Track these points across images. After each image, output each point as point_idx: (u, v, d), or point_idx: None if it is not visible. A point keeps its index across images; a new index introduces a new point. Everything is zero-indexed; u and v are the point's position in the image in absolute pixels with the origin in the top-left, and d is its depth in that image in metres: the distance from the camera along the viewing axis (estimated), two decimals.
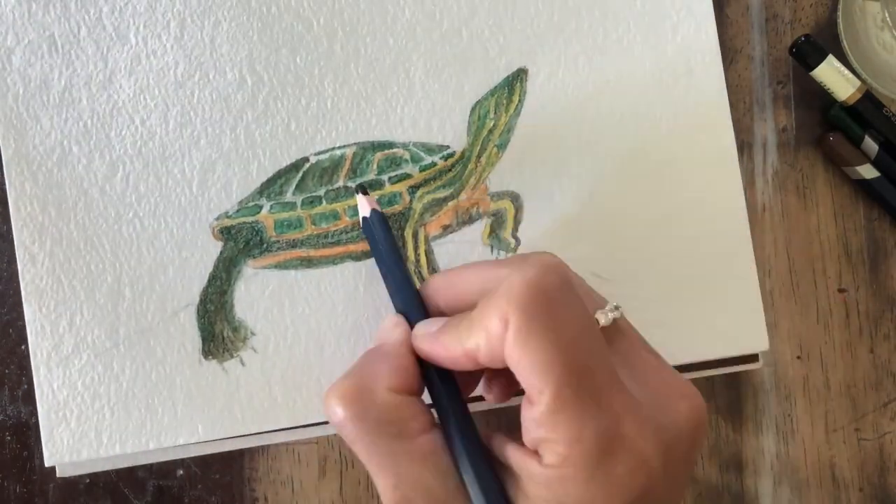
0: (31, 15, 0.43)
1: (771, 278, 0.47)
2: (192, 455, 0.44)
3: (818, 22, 0.48)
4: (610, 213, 0.45)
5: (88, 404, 0.42)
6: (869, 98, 0.46)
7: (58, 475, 0.43)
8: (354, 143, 0.44)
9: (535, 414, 0.31)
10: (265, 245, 0.43)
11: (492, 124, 0.45)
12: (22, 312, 0.42)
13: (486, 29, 0.45)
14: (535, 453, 0.32)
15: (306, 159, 0.44)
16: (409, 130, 0.44)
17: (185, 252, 0.43)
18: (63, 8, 0.43)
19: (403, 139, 0.44)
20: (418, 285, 0.39)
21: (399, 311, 0.38)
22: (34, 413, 0.43)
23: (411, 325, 0.37)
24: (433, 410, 0.36)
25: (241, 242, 0.43)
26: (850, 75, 0.46)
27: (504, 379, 0.38)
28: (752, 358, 0.45)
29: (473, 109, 0.45)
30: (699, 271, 0.44)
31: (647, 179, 0.45)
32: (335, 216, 0.44)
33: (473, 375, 0.38)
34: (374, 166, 0.44)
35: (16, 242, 0.42)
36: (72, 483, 0.45)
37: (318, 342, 0.43)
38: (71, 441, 0.42)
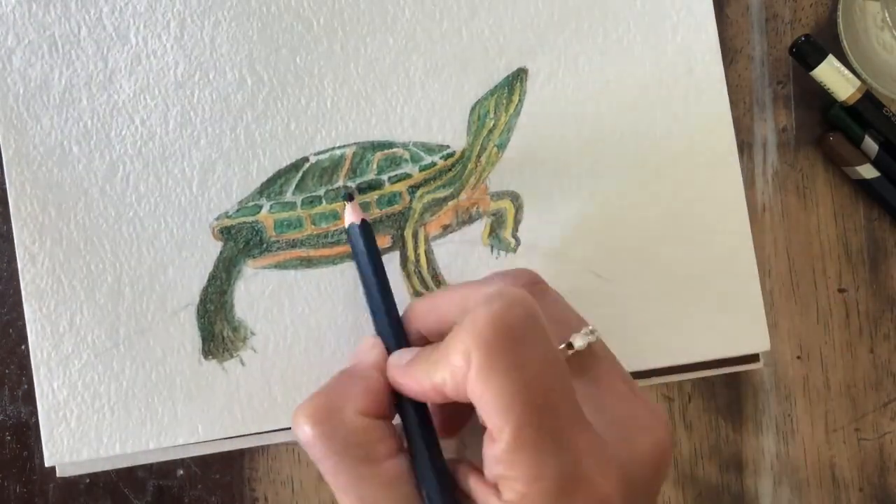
0: (32, 15, 0.43)
1: (771, 278, 0.47)
2: (192, 455, 0.44)
3: (818, 22, 0.48)
4: (610, 213, 0.45)
5: (88, 404, 0.42)
6: (869, 98, 0.46)
7: (58, 475, 0.43)
8: (354, 143, 0.44)
9: (496, 451, 0.30)
10: (265, 245, 0.43)
11: (492, 124, 0.45)
12: (22, 312, 0.43)
13: (486, 29, 0.45)
14: (496, 488, 0.31)
15: (306, 159, 0.44)
16: (409, 130, 0.44)
17: (185, 252, 0.43)
18: (63, 8, 0.43)
19: (403, 139, 0.44)
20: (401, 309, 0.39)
21: (378, 332, 0.38)
22: (34, 413, 0.43)
23: (389, 347, 0.37)
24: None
25: (240, 242, 0.43)
26: (850, 75, 0.46)
27: (453, 411, 0.38)
28: (753, 358, 0.45)
29: (473, 109, 0.45)
30: (700, 271, 0.44)
31: (648, 179, 0.45)
32: (335, 216, 0.44)
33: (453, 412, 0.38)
34: (374, 166, 0.44)
35: (16, 242, 0.42)
36: (72, 483, 0.45)
37: (317, 342, 0.43)
38: (71, 441, 0.42)
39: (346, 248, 0.44)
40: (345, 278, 0.43)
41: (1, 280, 0.45)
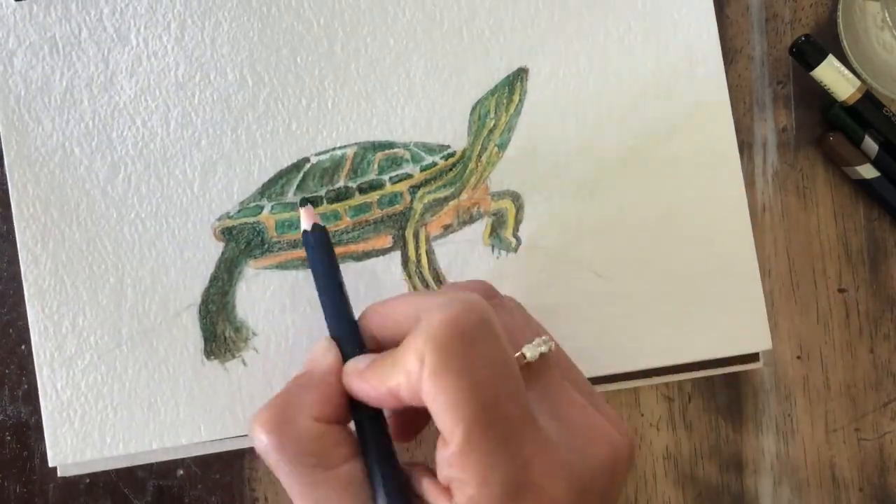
0: (33, 17, 0.43)
1: (771, 278, 0.47)
2: (194, 455, 0.44)
3: (818, 22, 0.48)
4: (611, 213, 0.45)
5: (92, 405, 0.42)
6: (869, 98, 0.46)
7: (59, 475, 0.43)
8: (355, 144, 0.44)
9: (447, 453, 0.31)
10: (266, 245, 0.43)
11: (492, 124, 0.45)
12: (22, 312, 0.43)
13: (487, 29, 0.45)
14: (448, 490, 0.32)
15: (307, 159, 0.44)
16: (410, 130, 0.44)
17: (187, 253, 0.43)
18: (64, 9, 0.43)
19: (404, 139, 0.44)
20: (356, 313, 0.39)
21: (333, 336, 0.38)
22: (34, 413, 0.43)
23: (344, 351, 0.37)
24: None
25: (242, 243, 0.43)
26: (850, 75, 0.46)
27: (408, 417, 0.38)
28: (753, 357, 0.45)
29: (474, 109, 0.45)
30: (701, 271, 0.45)
31: (649, 179, 0.45)
32: (336, 216, 0.44)
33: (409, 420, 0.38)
34: (375, 166, 0.44)
35: (18, 244, 0.42)
36: (72, 483, 0.45)
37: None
38: (74, 441, 0.42)
39: (348, 248, 0.44)
40: (346, 278, 0.43)
41: (1, 280, 0.45)
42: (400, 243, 0.44)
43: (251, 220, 0.43)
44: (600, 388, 0.45)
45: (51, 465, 0.42)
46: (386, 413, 0.36)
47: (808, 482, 0.47)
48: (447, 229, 0.44)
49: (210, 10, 0.44)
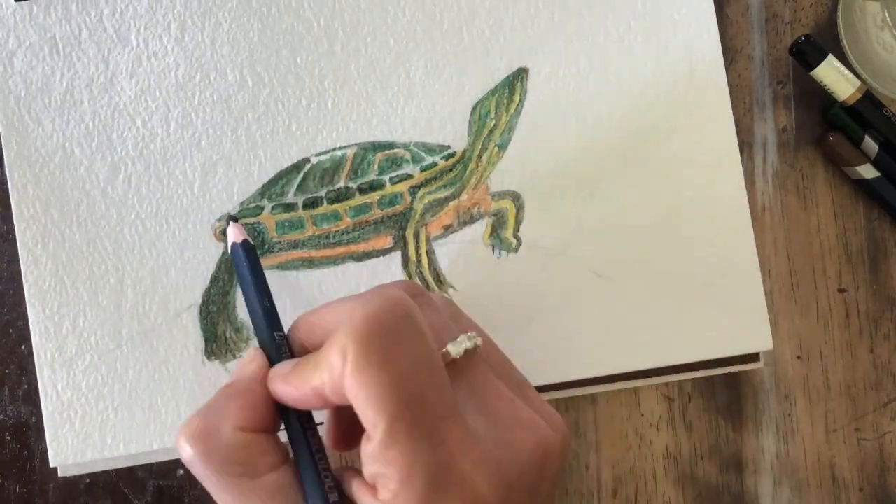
0: (33, 17, 0.43)
1: (771, 278, 0.47)
2: None
3: (818, 22, 0.48)
4: (611, 213, 0.45)
5: (92, 405, 0.42)
6: (869, 98, 0.46)
7: (59, 475, 0.43)
8: (355, 144, 0.44)
9: (370, 449, 0.31)
10: (267, 246, 0.44)
11: (493, 124, 0.45)
12: (22, 312, 0.43)
13: (487, 29, 0.45)
14: (374, 487, 0.32)
15: (307, 160, 0.44)
16: (410, 130, 0.44)
17: (188, 253, 0.43)
18: (64, 10, 0.43)
19: (404, 139, 0.44)
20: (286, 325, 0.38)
21: (261, 345, 0.38)
22: (34, 413, 0.43)
23: (273, 361, 0.37)
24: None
25: None
26: (850, 75, 0.46)
27: (345, 424, 0.37)
28: (753, 357, 0.45)
29: (474, 109, 0.45)
30: (701, 270, 0.45)
31: (649, 178, 0.45)
32: (336, 217, 0.44)
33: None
34: (375, 167, 0.44)
35: (19, 244, 0.42)
36: (72, 483, 0.45)
37: None
38: (75, 442, 0.42)
39: (348, 249, 0.44)
40: (346, 279, 0.44)
41: (1, 280, 0.45)
42: (400, 244, 0.44)
43: (251, 220, 0.43)
44: (601, 388, 0.45)
45: (51, 465, 0.42)
46: (326, 424, 0.36)
47: (808, 482, 0.47)
48: (447, 229, 0.44)
49: (210, 11, 0.44)
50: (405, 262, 0.44)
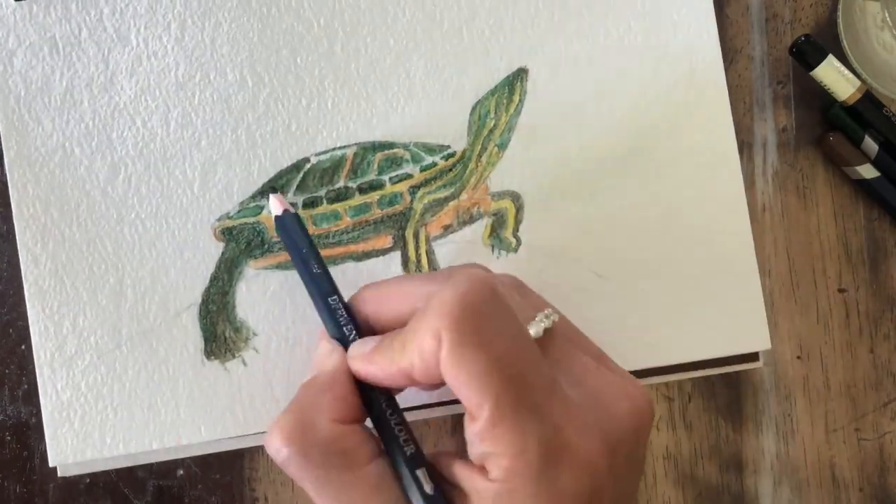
0: (33, 17, 0.43)
1: (771, 278, 0.47)
2: (193, 455, 0.44)
3: (818, 22, 0.48)
4: (611, 213, 0.45)
5: (92, 405, 0.42)
6: (869, 98, 0.46)
7: (59, 474, 0.43)
8: (355, 144, 0.44)
9: (477, 428, 0.31)
10: (266, 245, 0.43)
11: (492, 124, 0.45)
12: (22, 312, 0.43)
13: (487, 29, 0.45)
14: (482, 468, 0.32)
15: (307, 160, 0.44)
16: (410, 130, 0.44)
17: (187, 253, 0.43)
18: (64, 10, 0.43)
19: (404, 139, 0.44)
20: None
21: (326, 322, 0.38)
22: (34, 413, 0.43)
23: (343, 339, 0.37)
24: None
25: (242, 243, 0.43)
26: (850, 75, 0.46)
27: None
28: (753, 357, 0.45)
29: (474, 109, 0.45)
30: (700, 270, 0.45)
31: (648, 178, 0.45)
32: (336, 216, 0.44)
33: None
34: (375, 166, 0.44)
35: (19, 244, 0.42)
36: (72, 483, 0.45)
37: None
38: (75, 441, 0.42)
39: (348, 249, 0.44)
40: (346, 278, 0.43)
41: (1, 280, 0.45)
42: (400, 243, 0.44)
43: (251, 220, 0.43)
44: None
45: (51, 465, 0.42)
46: None
47: (808, 482, 0.47)
48: (447, 229, 0.44)
49: (210, 11, 0.44)
50: (405, 262, 0.44)
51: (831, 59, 0.46)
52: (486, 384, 0.30)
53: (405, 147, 0.44)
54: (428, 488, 0.33)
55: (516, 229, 0.44)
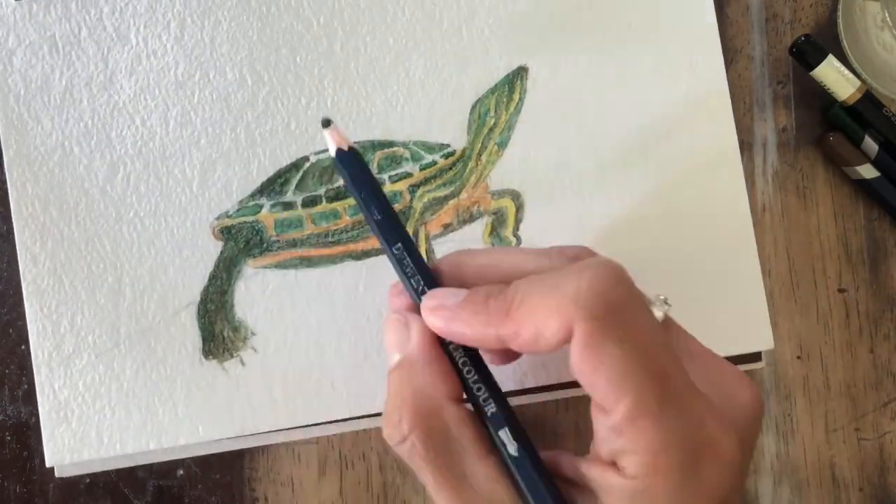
0: (32, 16, 0.43)
1: (771, 278, 0.47)
2: (193, 455, 0.44)
3: (818, 22, 0.48)
4: (611, 212, 0.45)
5: (89, 404, 0.42)
6: (869, 98, 0.46)
7: (56, 475, 0.43)
8: (355, 142, 0.44)
9: (612, 423, 0.29)
10: (265, 244, 0.43)
11: (492, 122, 0.45)
12: (22, 312, 0.43)
13: (487, 28, 0.45)
14: (613, 465, 0.30)
15: (306, 158, 0.44)
16: (409, 129, 0.44)
17: (186, 252, 0.43)
18: (64, 9, 0.43)
19: (403, 138, 0.44)
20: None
21: (398, 266, 0.34)
22: (34, 413, 0.43)
23: (415, 288, 0.34)
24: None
25: (241, 242, 0.43)
26: (850, 75, 0.46)
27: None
28: (754, 357, 0.45)
29: (474, 108, 0.45)
30: (702, 270, 0.44)
31: (649, 178, 0.45)
32: (335, 215, 0.44)
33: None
34: (375, 165, 0.44)
35: (17, 243, 0.42)
36: (72, 483, 0.45)
37: (318, 342, 0.43)
38: (72, 441, 0.42)
39: (347, 248, 0.44)
40: (345, 277, 0.43)
41: (1, 280, 0.45)
42: None
43: (250, 219, 0.43)
44: None
45: (48, 465, 0.42)
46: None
47: (808, 482, 0.47)
48: (447, 228, 0.44)
49: (209, 10, 0.44)
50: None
51: (831, 59, 0.46)
52: (626, 379, 0.29)
53: (405, 145, 0.44)
54: (511, 449, 0.31)
55: (516, 228, 0.44)
